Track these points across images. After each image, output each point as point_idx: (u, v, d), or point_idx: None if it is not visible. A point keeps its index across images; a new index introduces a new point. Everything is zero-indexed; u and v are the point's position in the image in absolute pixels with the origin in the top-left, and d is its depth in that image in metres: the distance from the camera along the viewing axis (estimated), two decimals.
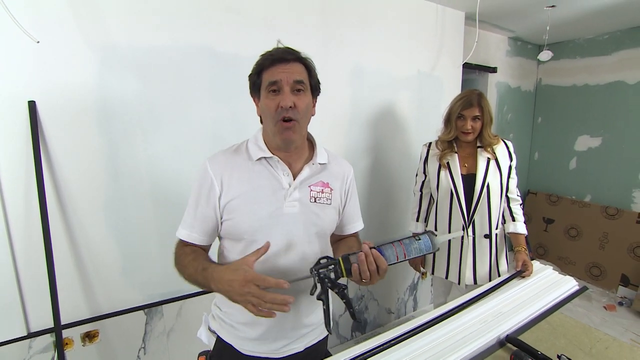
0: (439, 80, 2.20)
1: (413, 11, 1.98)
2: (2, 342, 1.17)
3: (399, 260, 0.75)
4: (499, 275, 1.44)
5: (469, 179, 1.45)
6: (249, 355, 0.86)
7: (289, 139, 0.79)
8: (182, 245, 0.85)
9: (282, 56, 0.79)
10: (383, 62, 1.91)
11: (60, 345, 1.22)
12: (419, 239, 0.76)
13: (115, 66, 1.23)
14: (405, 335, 0.88)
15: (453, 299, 1.10)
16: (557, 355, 0.81)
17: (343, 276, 0.73)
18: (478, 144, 1.47)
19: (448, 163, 1.49)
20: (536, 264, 1.30)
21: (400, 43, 1.96)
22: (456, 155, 1.49)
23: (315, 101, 0.87)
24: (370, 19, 1.82)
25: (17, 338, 1.19)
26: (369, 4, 1.80)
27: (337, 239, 1.01)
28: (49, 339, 1.24)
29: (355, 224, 0.99)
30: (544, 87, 3.29)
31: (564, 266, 3.08)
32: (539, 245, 3.31)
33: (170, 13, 1.31)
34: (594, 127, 2.95)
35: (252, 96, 0.86)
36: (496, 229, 1.48)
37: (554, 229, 3.20)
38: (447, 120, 1.50)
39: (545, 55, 2.39)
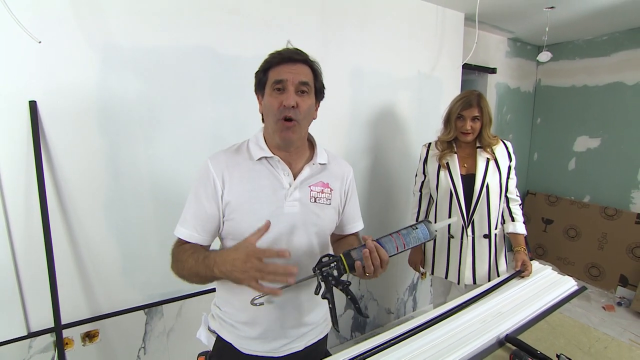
0: (438, 81, 2.20)
1: (413, 12, 1.99)
2: (2, 342, 1.17)
3: (399, 251, 0.76)
4: (498, 276, 1.45)
5: (469, 180, 1.46)
6: (249, 355, 0.86)
7: (288, 138, 0.80)
8: (181, 244, 0.84)
9: (290, 56, 0.79)
10: (383, 62, 1.92)
11: (60, 345, 1.22)
12: (416, 228, 0.78)
13: (116, 66, 1.24)
14: (405, 335, 0.88)
15: (452, 299, 1.10)
16: (556, 355, 0.82)
17: (346, 272, 0.74)
18: (477, 145, 1.48)
19: (447, 163, 1.49)
20: (535, 264, 1.30)
21: (400, 44, 1.97)
22: (456, 155, 1.49)
23: (318, 105, 0.88)
24: (370, 20, 1.83)
25: (17, 338, 1.19)
26: (369, 4, 1.81)
27: (337, 239, 1.01)
28: (49, 338, 1.25)
29: (356, 224, 1.00)
30: (543, 88, 3.30)
31: (563, 266, 3.09)
32: (538, 245, 3.31)
33: (171, 13, 1.31)
34: (593, 127, 2.96)
35: (256, 93, 0.87)
36: (495, 229, 1.49)
37: (553, 230, 3.20)
38: (447, 121, 1.50)
39: (544, 56, 2.39)
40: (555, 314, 1.04)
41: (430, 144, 1.61)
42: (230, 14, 1.42)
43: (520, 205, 1.52)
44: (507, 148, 1.49)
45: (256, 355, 0.86)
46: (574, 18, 2.38)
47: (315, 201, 0.85)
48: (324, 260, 0.75)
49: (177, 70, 1.35)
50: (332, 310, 0.73)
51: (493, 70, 2.85)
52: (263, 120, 0.88)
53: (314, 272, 0.74)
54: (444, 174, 1.50)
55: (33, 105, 1.12)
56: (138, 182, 1.33)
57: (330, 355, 0.86)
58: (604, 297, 2.70)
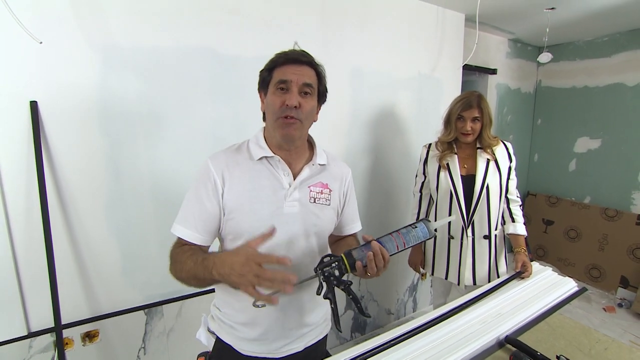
0: (439, 82, 2.20)
1: (413, 12, 1.99)
2: (2, 342, 1.17)
3: (399, 250, 0.77)
4: (499, 277, 1.45)
5: (469, 180, 1.46)
6: (248, 356, 0.86)
7: (289, 135, 0.80)
8: (180, 244, 0.83)
9: (296, 58, 0.80)
10: (383, 63, 1.92)
11: (60, 345, 1.22)
12: (416, 227, 0.78)
13: (117, 67, 1.24)
14: (405, 336, 0.88)
15: (452, 300, 1.10)
16: (557, 356, 0.82)
17: (347, 272, 0.74)
18: (478, 145, 1.48)
19: (448, 164, 1.49)
20: (536, 265, 1.30)
21: (401, 44, 1.97)
22: (456, 156, 1.49)
23: (320, 108, 0.88)
24: (370, 20, 1.83)
25: (17, 337, 1.19)
26: (369, 4, 1.81)
27: (335, 240, 1.01)
28: (49, 338, 1.24)
29: (354, 225, 1.00)
30: (543, 89, 3.30)
31: (563, 267, 3.09)
32: (538, 246, 3.31)
33: (171, 13, 1.31)
34: (594, 128, 2.96)
35: (259, 91, 0.87)
36: (495, 230, 1.49)
37: (553, 231, 3.20)
38: (447, 122, 1.50)
39: (545, 57, 2.39)
40: (555, 315, 1.04)
41: (430, 144, 1.61)
42: (230, 14, 1.43)
43: (520, 206, 1.52)
44: (507, 149, 1.49)
45: (255, 357, 0.86)
46: (575, 19, 2.38)
47: (314, 201, 0.85)
48: (325, 260, 0.74)
49: (177, 70, 1.35)
50: (335, 310, 0.73)
51: (493, 71, 2.85)
52: (264, 119, 0.88)
53: (315, 273, 0.73)
54: (444, 174, 1.50)
55: (34, 106, 1.12)
56: (138, 182, 1.33)
57: (330, 355, 0.86)
58: (604, 299, 2.69)
